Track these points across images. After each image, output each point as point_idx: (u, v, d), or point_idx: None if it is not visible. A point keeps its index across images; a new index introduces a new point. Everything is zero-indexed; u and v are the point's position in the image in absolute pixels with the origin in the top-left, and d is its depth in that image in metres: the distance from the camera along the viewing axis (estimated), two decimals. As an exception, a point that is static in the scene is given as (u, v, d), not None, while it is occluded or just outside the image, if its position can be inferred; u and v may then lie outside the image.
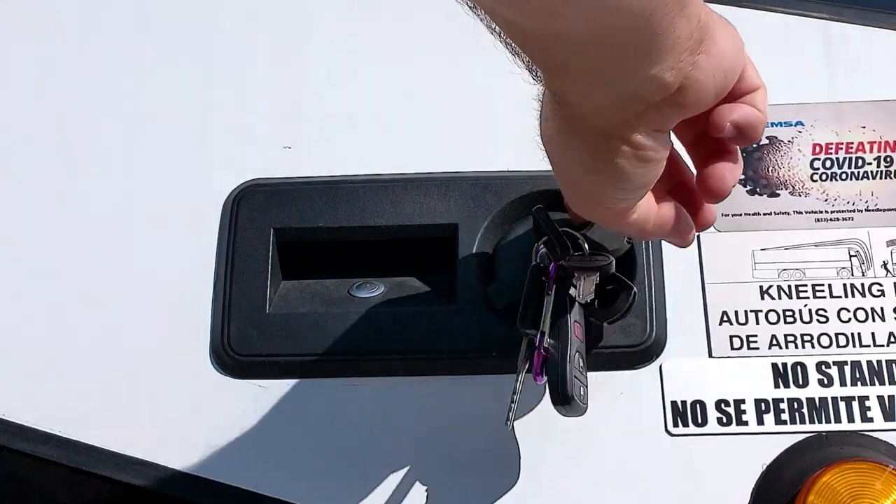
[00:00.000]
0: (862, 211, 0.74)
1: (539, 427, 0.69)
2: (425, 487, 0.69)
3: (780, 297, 0.72)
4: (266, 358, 0.72)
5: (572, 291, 0.63)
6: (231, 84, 0.80)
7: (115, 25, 0.83)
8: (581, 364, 0.63)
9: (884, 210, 0.74)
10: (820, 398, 0.69)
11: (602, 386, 0.69)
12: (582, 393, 0.62)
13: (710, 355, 0.71)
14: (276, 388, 0.71)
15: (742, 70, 0.52)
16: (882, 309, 0.71)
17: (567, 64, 0.44)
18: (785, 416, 0.69)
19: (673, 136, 0.53)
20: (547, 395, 0.69)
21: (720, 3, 0.80)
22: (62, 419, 0.72)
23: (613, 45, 0.42)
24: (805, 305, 0.72)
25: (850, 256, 0.73)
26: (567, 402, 0.60)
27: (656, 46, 0.43)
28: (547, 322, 0.62)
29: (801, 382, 0.70)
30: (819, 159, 0.76)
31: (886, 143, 0.76)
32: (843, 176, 0.75)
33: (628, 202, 0.52)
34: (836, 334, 0.71)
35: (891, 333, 0.71)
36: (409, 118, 0.78)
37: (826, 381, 0.70)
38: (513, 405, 0.62)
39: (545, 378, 0.62)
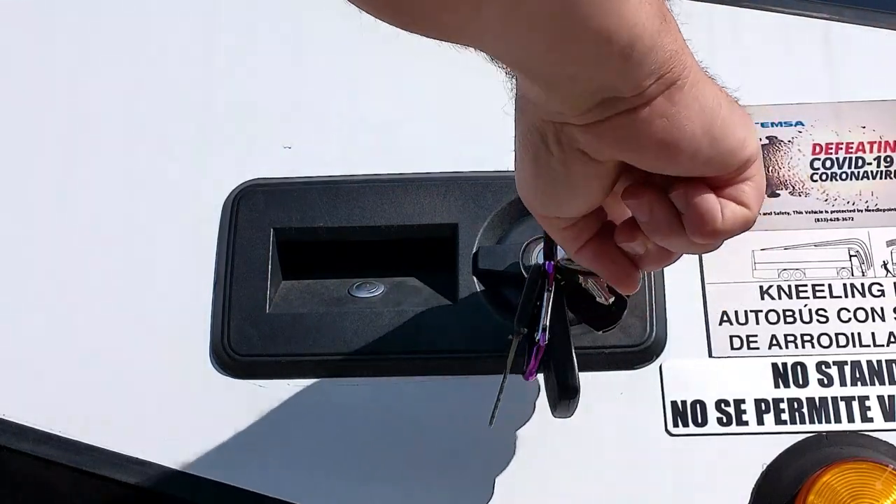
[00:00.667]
0: (862, 211, 0.74)
1: (539, 427, 0.69)
2: (425, 487, 0.69)
3: (780, 297, 0.72)
4: (266, 358, 0.72)
5: (593, 291, 0.63)
6: (231, 84, 0.80)
7: (115, 25, 0.83)
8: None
9: (884, 210, 0.74)
10: (820, 398, 0.69)
11: (602, 386, 0.69)
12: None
13: (711, 355, 0.71)
14: (276, 388, 0.71)
15: (748, 160, 0.47)
16: (882, 309, 0.71)
17: (531, 69, 0.42)
18: (785, 416, 0.69)
19: None
20: (545, 397, 0.70)
21: (721, 3, 0.80)
22: (62, 419, 0.72)
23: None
24: (805, 305, 0.72)
25: (850, 256, 0.73)
26: (576, 393, 0.60)
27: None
28: (548, 317, 0.62)
29: (801, 382, 0.70)
30: (819, 159, 0.76)
31: (886, 143, 0.76)
32: (843, 176, 0.75)
33: (560, 212, 0.50)
34: (836, 334, 0.71)
35: (891, 333, 0.71)
36: (409, 118, 0.78)
37: (826, 381, 0.70)
38: (497, 405, 0.62)
39: (535, 376, 0.62)
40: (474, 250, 0.72)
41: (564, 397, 0.61)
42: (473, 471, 0.69)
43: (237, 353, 0.72)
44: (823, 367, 0.70)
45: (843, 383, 0.70)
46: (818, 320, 0.71)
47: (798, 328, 0.71)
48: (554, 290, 0.63)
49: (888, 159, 0.76)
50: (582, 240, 0.53)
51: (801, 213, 0.74)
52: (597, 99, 0.43)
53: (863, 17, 0.80)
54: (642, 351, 0.70)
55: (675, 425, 0.69)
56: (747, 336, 0.71)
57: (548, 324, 0.62)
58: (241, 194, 0.76)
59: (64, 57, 0.83)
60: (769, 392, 0.70)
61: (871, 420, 0.69)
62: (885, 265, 0.73)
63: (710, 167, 0.47)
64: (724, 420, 0.69)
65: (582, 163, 0.47)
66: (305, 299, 0.74)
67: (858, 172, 0.75)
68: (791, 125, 0.77)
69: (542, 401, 0.70)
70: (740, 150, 0.47)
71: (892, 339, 0.71)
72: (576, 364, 0.61)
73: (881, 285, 0.72)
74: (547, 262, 0.62)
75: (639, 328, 0.70)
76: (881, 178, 0.75)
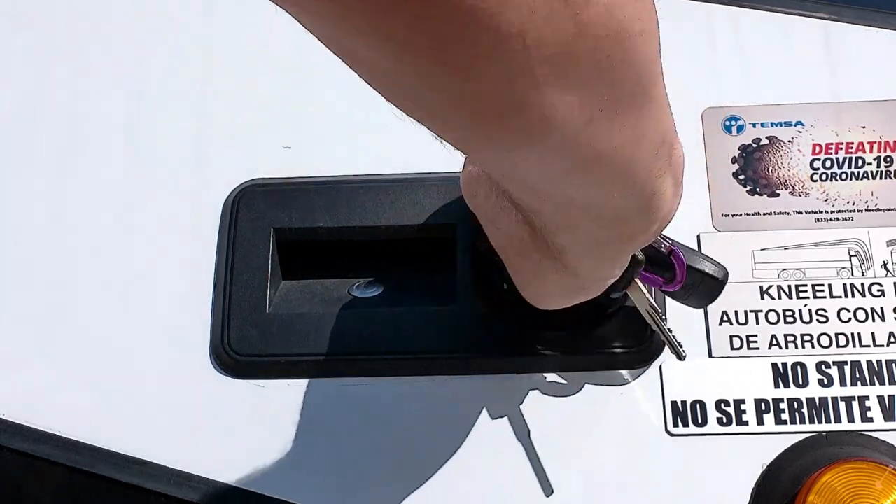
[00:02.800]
0: (862, 211, 0.74)
1: (539, 427, 0.69)
2: (425, 487, 0.69)
3: (779, 297, 0.72)
4: (266, 358, 0.71)
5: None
6: (231, 84, 0.80)
7: (114, 24, 0.83)
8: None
9: (884, 210, 0.74)
10: (820, 398, 0.69)
11: (602, 386, 0.69)
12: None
13: (710, 355, 0.71)
14: (276, 388, 0.71)
15: None
16: (882, 309, 0.71)
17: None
18: (785, 416, 0.69)
19: None
20: (546, 397, 0.70)
21: (721, 3, 0.80)
22: (62, 419, 0.72)
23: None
24: (805, 305, 0.72)
25: (850, 256, 0.73)
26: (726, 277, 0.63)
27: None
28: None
29: (801, 382, 0.70)
30: (819, 159, 0.76)
31: (886, 143, 0.76)
32: (843, 176, 0.75)
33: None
34: (836, 334, 0.71)
35: (891, 333, 0.71)
36: (410, 118, 0.78)
37: (826, 381, 0.70)
38: (671, 335, 0.65)
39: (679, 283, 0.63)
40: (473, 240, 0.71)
41: (723, 286, 0.63)
42: (473, 471, 0.69)
43: (237, 353, 0.72)
44: (823, 367, 0.70)
45: (843, 383, 0.70)
46: (818, 320, 0.71)
47: (798, 328, 0.71)
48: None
49: (888, 159, 0.75)
50: None
51: (800, 213, 0.74)
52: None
53: (863, 17, 0.80)
54: (642, 351, 0.70)
55: (675, 425, 0.69)
56: (747, 336, 0.71)
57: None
58: (241, 194, 0.76)
59: (63, 56, 0.83)
60: (769, 392, 0.70)
61: (871, 420, 0.69)
62: (885, 265, 0.73)
63: None
64: (724, 420, 0.69)
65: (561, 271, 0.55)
66: (305, 299, 0.74)
67: (858, 172, 0.75)
68: (791, 125, 0.77)
69: (543, 401, 0.70)
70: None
71: (893, 339, 0.71)
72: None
73: (881, 285, 0.72)
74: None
75: (639, 329, 0.70)
76: (881, 178, 0.75)
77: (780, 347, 0.71)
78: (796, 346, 0.71)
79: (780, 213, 0.74)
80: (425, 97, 0.36)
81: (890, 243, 0.73)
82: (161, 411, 0.72)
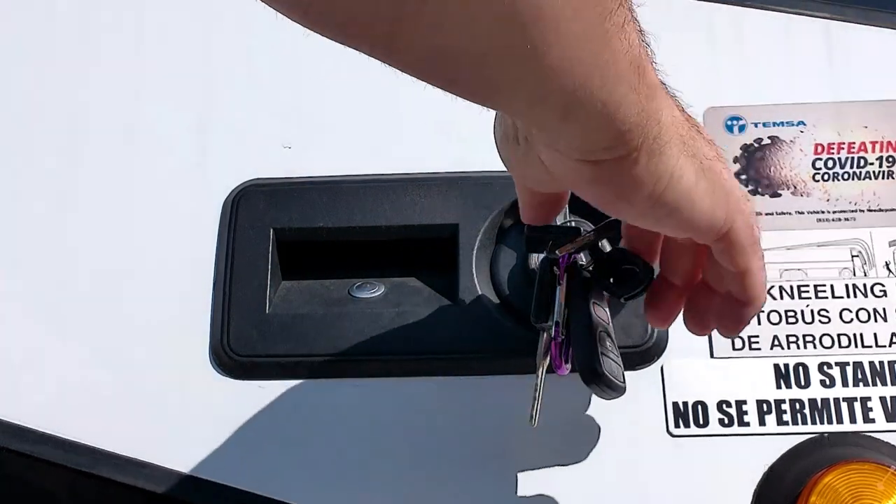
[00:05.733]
0: (864, 211, 0.74)
1: (539, 428, 0.69)
2: (425, 488, 0.69)
3: (781, 298, 0.72)
4: (266, 358, 0.71)
5: (582, 261, 0.62)
6: (231, 83, 0.80)
7: (114, 24, 0.83)
8: (609, 343, 0.60)
9: (886, 210, 0.74)
10: (822, 399, 0.69)
11: (603, 386, 0.69)
12: (614, 370, 0.59)
13: (712, 356, 0.71)
14: (276, 388, 0.71)
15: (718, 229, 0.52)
16: (884, 309, 0.71)
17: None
18: (787, 417, 0.69)
19: None
20: (547, 397, 0.69)
21: (723, 2, 0.80)
22: (61, 419, 0.71)
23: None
24: (807, 306, 0.72)
25: (853, 257, 0.73)
26: (597, 377, 0.58)
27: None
28: (561, 312, 0.60)
29: (803, 383, 0.70)
30: (821, 159, 0.76)
31: (889, 142, 0.76)
32: (846, 176, 0.75)
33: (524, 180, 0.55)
34: (839, 335, 0.71)
35: (893, 334, 0.71)
36: (410, 118, 0.78)
37: (828, 382, 0.70)
38: (536, 402, 0.60)
39: (567, 368, 0.60)
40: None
41: (588, 382, 0.58)
42: (473, 471, 0.69)
43: (237, 353, 0.71)
44: (825, 367, 0.70)
45: (845, 384, 0.69)
46: (820, 321, 0.71)
47: (800, 329, 0.71)
48: (569, 280, 0.61)
49: (890, 159, 0.75)
50: (547, 215, 0.58)
51: (802, 213, 0.74)
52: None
53: (865, 17, 0.80)
54: (643, 351, 0.70)
55: (677, 426, 0.69)
56: (749, 337, 0.71)
57: (561, 320, 0.60)
58: (240, 194, 0.76)
59: (63, 56, 0.82)
60: (771, 393, 0.69)
61: (873, 421, 0.68)
62: (887, 265, 0.72)
63: (672, 231, 0.52)
64: (726, 421, 0.69)
65: (539, 163, 0.49)
66: (305, 299, 0.74)
67: (861, 172, 0.75)
68: (793, 125, 0.76)
69: (543, 402, 0.69)
70: (700, 221, 0.50)
71: (895, 340, 0.70)
72: (601, 346, 0.59)
73: (883, 286, 0.72)
74: (562, 256, 0.61)
75: (640, 328, 0.70)
76: (883, 178, 0.75)
77: (782, 348, 0.71)
78: (798, 347, 0.71)
79: (782, 213, 0.74)
80: None
81: (892, 243, 0.73)
82: (161, 412, 0.71)
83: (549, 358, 0.61)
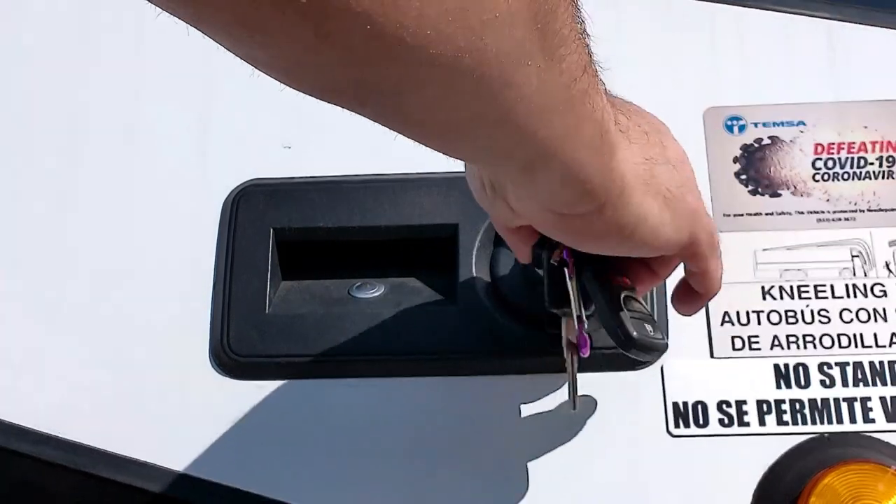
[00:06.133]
0: (864, 211, 0.74)
1: (539, 428, 0.69)
2: (425, 488, 0.69)
3: (781, 298, 0.72)
4: (266, 358, 0.71)
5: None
6: (231, 83, 0.80)
7: (114, 24, 0.83)
8: (636, 304, 0.60)
9: (886, 210, 0.74)
10: (822, 399, 0.69)
11: (603, 386, 0.69)
12: (647, 330, 0.59)
13: (712, 356, 0.71)
14: (276, 389, 0.71)
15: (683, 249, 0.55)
16: (884, 309, 0.71)
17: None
18: (787, 417, 0.69)
19: None
20: (547, 397, 0.70)
21: (724, 2, 0.80)
22: (61, 420, 0.71)
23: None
24: (807, 306, 0.72)
25: (853, 257, 0.73)
26: (631, 342, 0.57)
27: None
28: (575, 289, 0.60)
29: (803, 383, 0.70)
30: (821, 159, 0.75)
31: (889, 143, 0.76)
32: (846, 176, 0.75)
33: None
34: (839, 335, 0.71)
35: (893, 334, 0.71)
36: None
37: (828, 382, 0.70)
38: (573, 388, 0.63)
39: (588, 348, 0.61)
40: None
41: (626, 349, 0.58)
42: (473, 471, 0.69)
43: (237, 353, 0.71)
44: (825, 367, 0.70)
45: (845, 384, 0.69)
46: (820, 321, 0.71)
47: (800, 329, 0.71)
48: (576, 260, 0.60)
49: (890, 159, 0.75)
50: (525, 245, 0.60)
51: (802, 213, 0.74)
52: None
53: (866, 17, 0.80)
54: (644, 351, 0.70)
55: (677, 426, 0.69)
56: (749, 337, 0.71)
57: (583, 313, 0.60)
58: (240, 194, 0.76)
59: (63, 56, 0.82)
60: (771, 393, 0.69)
61: (873, 421, 0.68)
62: (887, 265, 0.72)
63: (642, 255, 0.56)
64: (726, 421, 0.69)
65: (507, 208, 0.52)
66: (305, 300, 0.74)
67: (861, 172, 0.75)
68: (793, 125, 0.76)
69: (544, 402, 0.69)
70: (666, 247, 0.54)
71: (895, 340, 0.70)
72: (624, 314, 0.58)
73: (883, 286, 0.72)
74: (564, 252, 0.60)
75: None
76: (883, 178, 0.75)
77: (782, 348, 0.71)
78: (798, 347, 0.70)
79: (782, 213, 0.74)
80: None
81: (892, 243, 0.73)
82: (161, 412, 0.71)
83: (576, 339, 0.61)
